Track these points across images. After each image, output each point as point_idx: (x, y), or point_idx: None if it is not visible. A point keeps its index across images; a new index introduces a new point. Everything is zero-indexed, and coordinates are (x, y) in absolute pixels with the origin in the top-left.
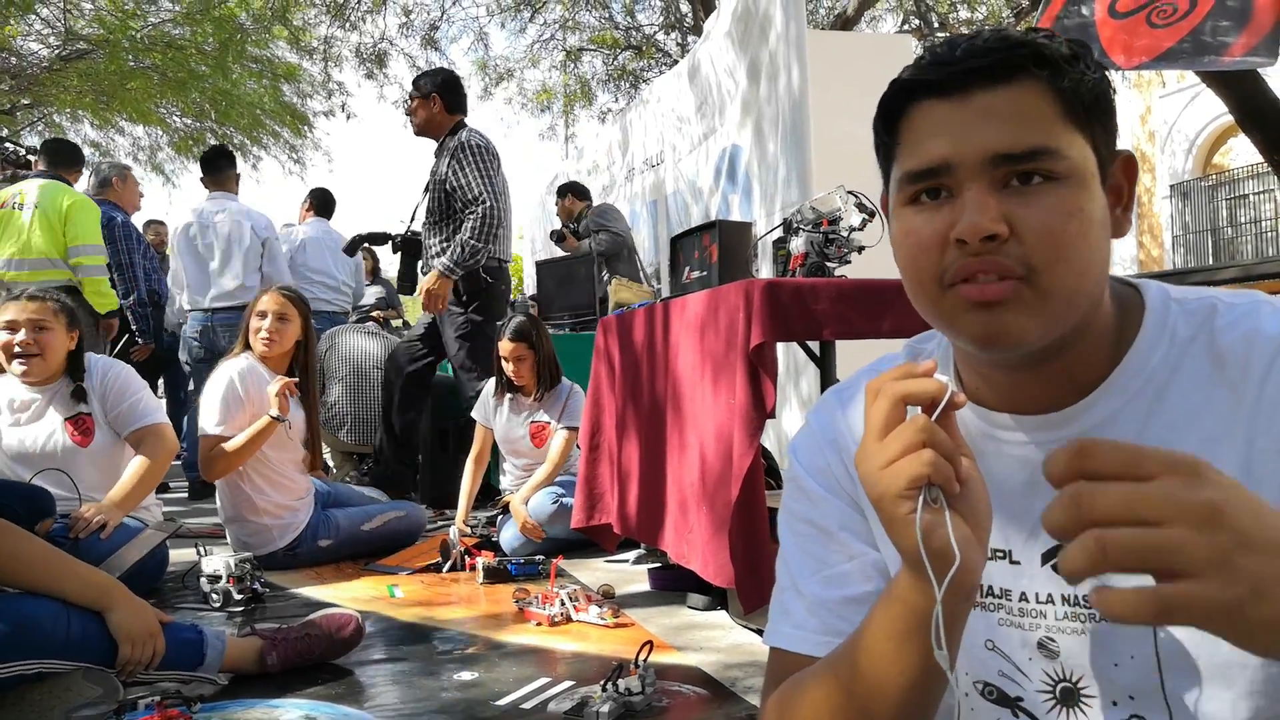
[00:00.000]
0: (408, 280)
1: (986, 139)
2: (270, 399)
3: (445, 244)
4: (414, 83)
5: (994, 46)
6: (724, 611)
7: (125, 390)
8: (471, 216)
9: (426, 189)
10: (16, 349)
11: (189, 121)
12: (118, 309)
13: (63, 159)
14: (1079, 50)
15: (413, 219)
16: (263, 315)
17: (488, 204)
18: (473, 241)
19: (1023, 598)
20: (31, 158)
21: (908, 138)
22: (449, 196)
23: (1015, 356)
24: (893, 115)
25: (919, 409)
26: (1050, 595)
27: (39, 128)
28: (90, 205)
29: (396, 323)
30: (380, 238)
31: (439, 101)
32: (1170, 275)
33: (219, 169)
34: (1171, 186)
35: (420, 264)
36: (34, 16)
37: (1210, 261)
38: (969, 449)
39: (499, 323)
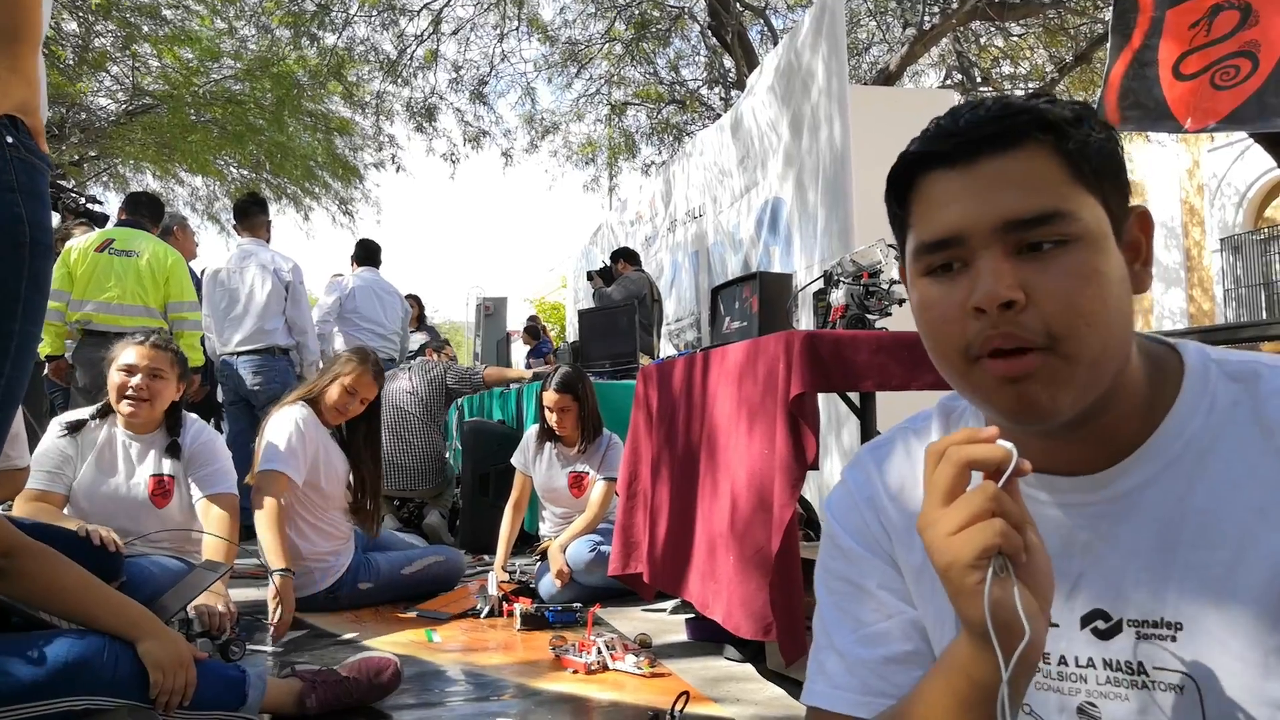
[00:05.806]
0: None
1: (997, 205)
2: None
3: None
4: None
5: (997, 114)
6: (762, 663)
7: (213, 456)
8: None
9: None
10: (129, 392)
11: (245, 173)
12: (202, 366)
13: (148, 211)
14: (1083, 112)
15: None
16: (351, 393)
17: None
18: None
19: (1061, 661)
20: (92, 207)
21: (919, 209)
22: None
23: (1049, 426)
24: (903, 187)
25: (981, 474)
26: (1090, 659)
27: (104, 179)
28: (185, 263)
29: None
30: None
31: None
32: (1221, 330)
33: (251, 215)
34: (1222, 240)
35: None
36: (104, 74)
37: (1264, 316)
38: (1031, 517)
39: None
